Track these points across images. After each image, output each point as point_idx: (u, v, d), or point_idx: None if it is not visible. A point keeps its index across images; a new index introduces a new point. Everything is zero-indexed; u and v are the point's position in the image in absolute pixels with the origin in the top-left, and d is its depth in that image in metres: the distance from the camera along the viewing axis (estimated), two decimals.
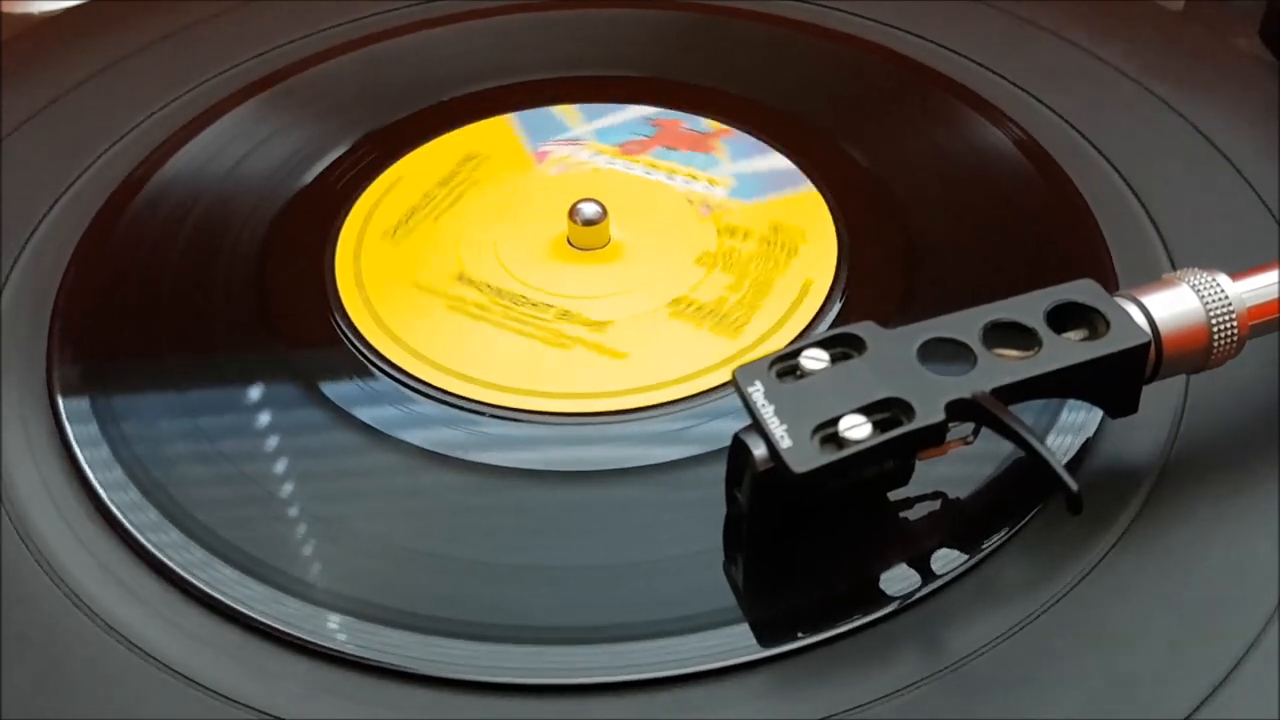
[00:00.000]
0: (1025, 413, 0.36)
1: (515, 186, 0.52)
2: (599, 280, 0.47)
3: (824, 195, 0.50)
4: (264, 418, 0.44)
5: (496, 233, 0.49)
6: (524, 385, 0.43)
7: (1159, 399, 0.41)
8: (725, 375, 0.42)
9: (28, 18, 0.66)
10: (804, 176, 0.50)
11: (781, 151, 0.52)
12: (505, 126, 0.54)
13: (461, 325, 0.46)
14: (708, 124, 0.53)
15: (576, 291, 0.47)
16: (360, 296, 0.47)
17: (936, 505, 0.39)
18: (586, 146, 0.53)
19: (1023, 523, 0.38)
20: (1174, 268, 0.46)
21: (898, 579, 0.37)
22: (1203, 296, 0.38)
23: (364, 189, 0.51)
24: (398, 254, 0.49)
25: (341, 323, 0.46)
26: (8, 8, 0.66)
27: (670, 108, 0.55)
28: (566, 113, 0.54)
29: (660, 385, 0.43)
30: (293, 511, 0.40)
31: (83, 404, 0.43)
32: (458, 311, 0.46)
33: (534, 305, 0.46)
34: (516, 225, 0.50)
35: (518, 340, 0.45)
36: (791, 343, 0.42)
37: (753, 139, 0.52)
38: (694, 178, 0.50)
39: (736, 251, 0.47)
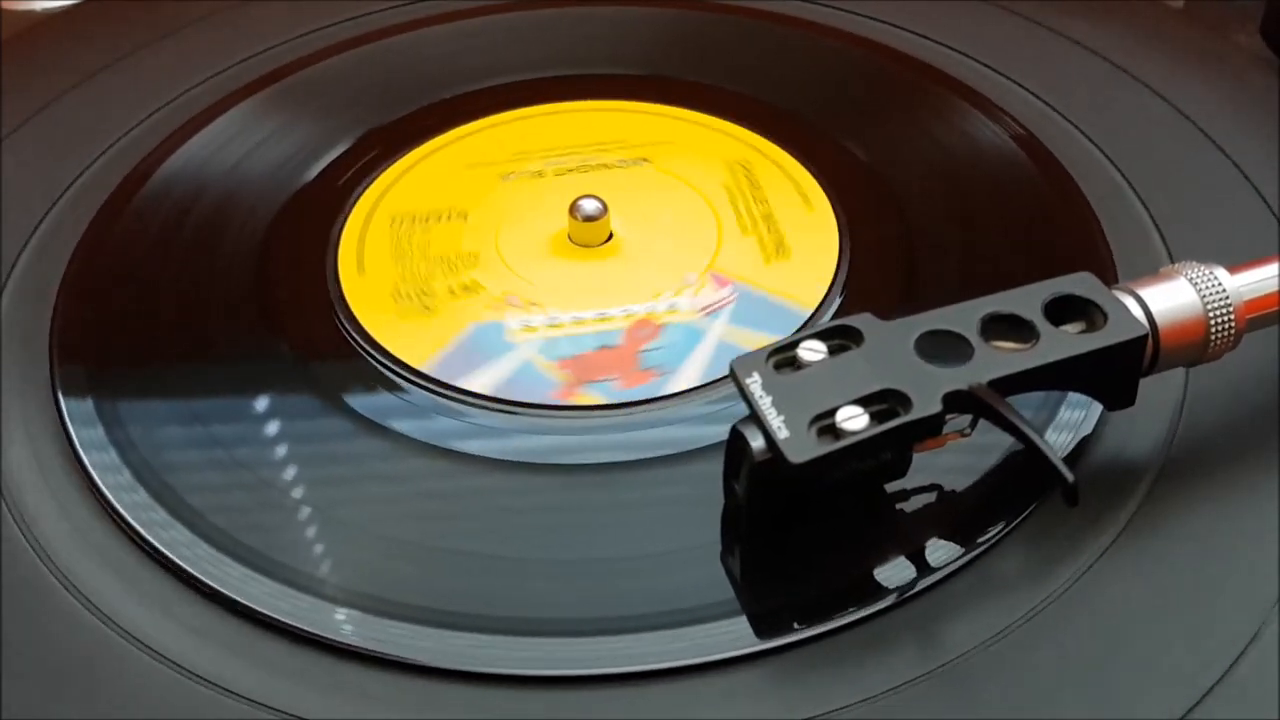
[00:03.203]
0: (1025, 408, 0.36)
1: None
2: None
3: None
4: (266, 415, 0.44)
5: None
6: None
7: (1159, 394, 0.41)
8: None
9: (29, 15, 0.66)
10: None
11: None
12: None
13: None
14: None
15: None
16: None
17: (935, 498, 0.39)
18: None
19: (1021, 517, 0.38)
20: (1172, 262, 0.46)
21: (895, 572, 0.37)
22: (1200, 290, 0.38)
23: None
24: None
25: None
26: (9, 6, 0.66)
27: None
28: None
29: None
30: (297, 506, 0.40)
31: (85, 404, 0.43)
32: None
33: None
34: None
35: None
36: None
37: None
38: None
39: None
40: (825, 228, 0.49)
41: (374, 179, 0.52)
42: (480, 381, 0.43)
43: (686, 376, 0.43)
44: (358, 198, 0.51)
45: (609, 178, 0.52)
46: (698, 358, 0.44)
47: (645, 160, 0.53)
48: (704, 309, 0.46)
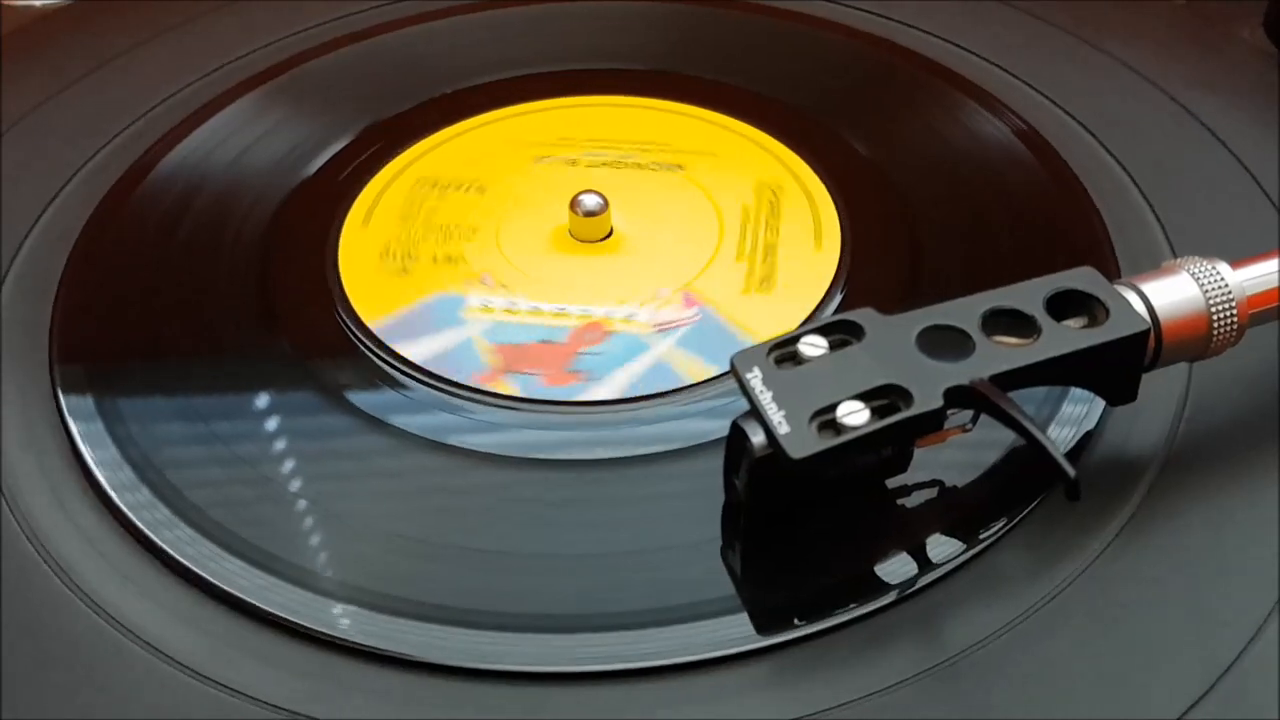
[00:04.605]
0: (1027, 403, 0.36)
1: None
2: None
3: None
4: (268, 411, 0.44)
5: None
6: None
7: (1162, 390, 0.41)
8: None
9: (29, 11, 0.66)
10: None
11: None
12: None
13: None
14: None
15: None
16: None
17: (936, 494, 0.39)
18: None
19: (1023, 513, 0.38)
20: (1175, 257, 0.46)
21: (897, 569, 0.37)
22: (1202, 284, 0.38)
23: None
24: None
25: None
26: (9, 1, 0.66)
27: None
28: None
29: None
30: (297, 502, 0.40)
31: (85, 400, 0.43)
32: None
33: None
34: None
35: None
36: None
37: None
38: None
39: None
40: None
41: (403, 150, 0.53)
42: (416, 350, 0.44)
43: (609, 388, 0.43)
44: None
45: (637, 178, 0.52)
46: (628, 371, 0.44)
47: (680, 167, 0.52)
48: (659, 325, 0.45)
